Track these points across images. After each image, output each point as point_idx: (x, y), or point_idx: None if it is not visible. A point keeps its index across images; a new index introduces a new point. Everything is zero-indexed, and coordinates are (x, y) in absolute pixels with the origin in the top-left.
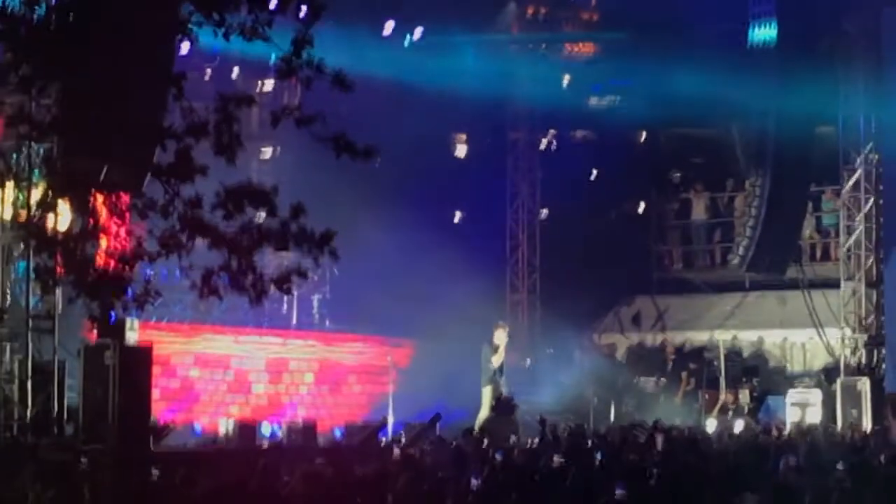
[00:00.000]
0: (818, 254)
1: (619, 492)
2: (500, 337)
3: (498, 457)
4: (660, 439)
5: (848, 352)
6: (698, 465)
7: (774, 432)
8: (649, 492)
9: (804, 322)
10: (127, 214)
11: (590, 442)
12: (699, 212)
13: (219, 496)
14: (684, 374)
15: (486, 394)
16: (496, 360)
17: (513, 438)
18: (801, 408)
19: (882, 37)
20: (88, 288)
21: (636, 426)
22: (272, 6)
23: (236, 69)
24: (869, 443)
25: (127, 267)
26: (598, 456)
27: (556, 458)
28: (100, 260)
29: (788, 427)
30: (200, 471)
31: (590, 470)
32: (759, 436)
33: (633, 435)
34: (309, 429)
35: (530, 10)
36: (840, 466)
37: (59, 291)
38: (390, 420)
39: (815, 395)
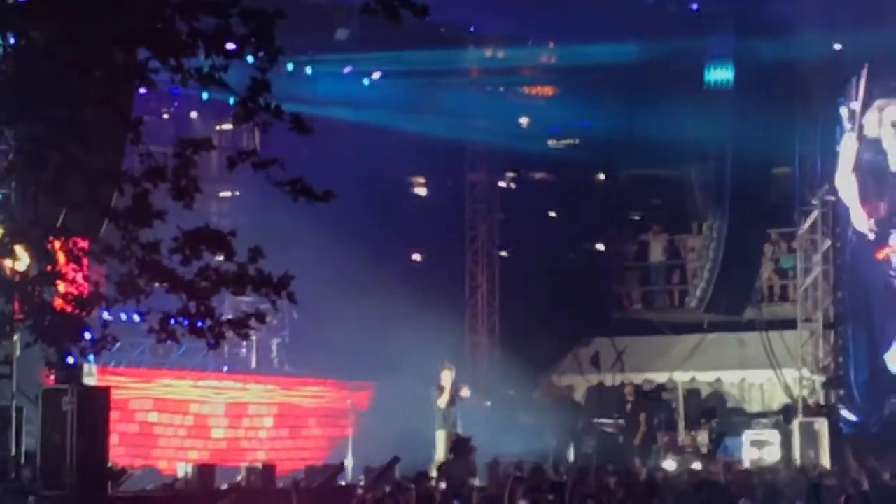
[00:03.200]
0: (776, 295)
1: None
2: (446, 377)
3: (456, 503)
4: (612, 481)
5: (806, 392)
6: None
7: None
8: None
9: (762, 363)
10: (84, 259)
11: (548, 484)
12: (657, 253)
13: None
14: (643, 416)
15: (440, 437)
16: (442, 402)
17: (471, 481)
18: (759, 448)
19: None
20: (46, 332)
21: (593, 468)
22: (229, 50)
23: (195, 113)
24: (828, 479)
25: (84, 311)
26: (553, 498)
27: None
28: (57, 304)
29: (747, 465)
30: None
31: None
32: (718, 476)
33: (592, 476)
34: (268, 471)
35: (488, 52)
36: None
37: (16, 336)
38: (350, 463)
39: (773, 436)
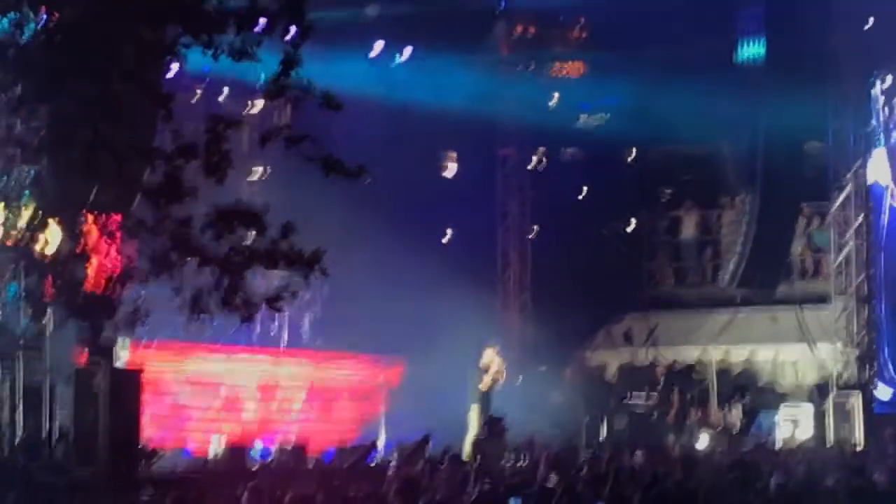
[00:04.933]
0: (809, 270)
1: None
2: (490, 357)
3: (489, 480)
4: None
5: (839, 368)
6: (688, 483)
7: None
8: None
9: (795, 338)
10: (117, 235)
11: (580, 461)
12: (689, 229)
13: None
14: (675, 394)
15: (473, 415)
16: (485, 383)
17: (503, 459)
18: (792, 424)
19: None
20: (79, 309)
21: (626, 446)
22: (260, 27)
23: (226, 90)
24: (865, 460)
25: (117, 288)
26: (586, 475)
27: (552, 477)
28: (90, 281)
29: (779, 443)
30: (190, 493)
31: (577, 490)
32: (751, 453)
33: (624, 454)
34: (299, 450)
35: (519, 29)
36: (830, 483)
37: (49, 313)
38: (382, 440)
39: (807, 412)
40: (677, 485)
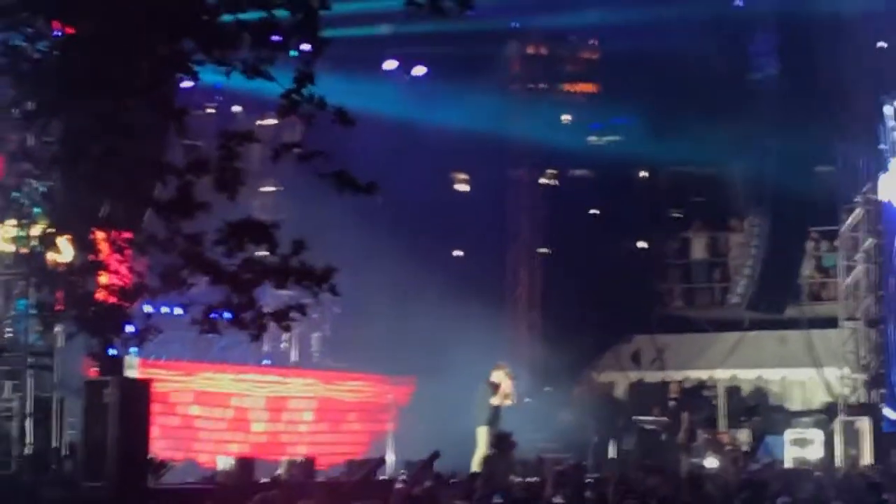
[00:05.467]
0: (818, 293)
1: None
2: (500, 377)
3: (497, 499)
4: (653, 478)
5: (847, 391)
6: (697, 503)
7: (772, 471)
8: None
9: (803, 361)
10: (127, 251)
11: (588, 482)
12: (699, 250)
13: None
14: (685, 414)
15: (482, 434)
16: (497, 400)
17: (511, 476)
18: (800, 446)
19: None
20: (88, 324)
21: (634, 465)
22: (274, 43)
23: (238, 106)
24: (874, 480)
25: (127, 303)
26: (593, 494)
27: (556, 500)
28: (100, 296)
29: (788, 464)
30: None
31: None
32: (759, 475)
33: (632, 474)
34: (308, 465)
35: (530, 50)
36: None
37: (59, 328)
38: (391, 458)
39: (815, 434)
40: None
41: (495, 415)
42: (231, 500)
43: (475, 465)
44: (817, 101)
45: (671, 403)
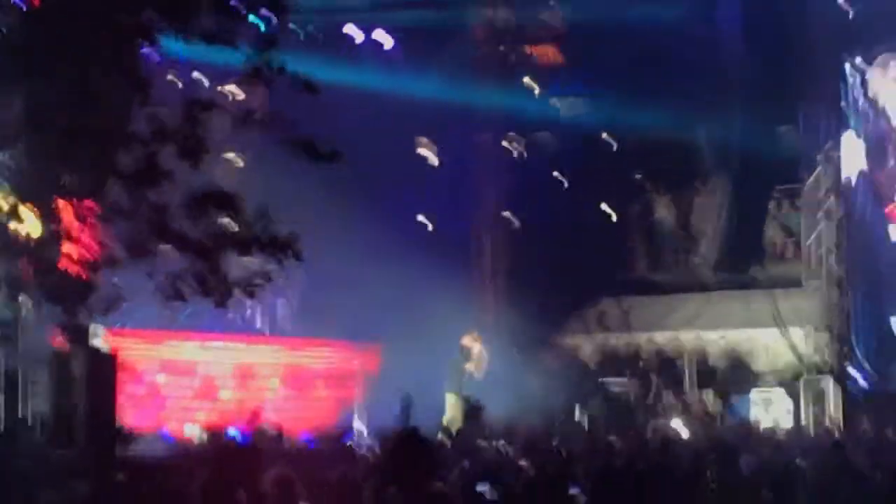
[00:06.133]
0: (782, 253)
1: (573, 491)
2: (470, 344)
3: (466, 463)
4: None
5: (812, 351)
6: (666, 465)
7: (738, 431)
8: (613, 492)
9: (769, 322)
10: (92, 220)
11: (555, 445)
12: (663, 213)
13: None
14: (653, 376)
15: (451, 399)
16: (471, 367)
17: (480, 442)
18: (766, 407)
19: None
20: (54, 294)
21: (601, 429)
22: (234, 9)
23: (201, 74)
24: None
25: (92, 273)
26: (560, 459)
27: (523, 462)
28: (65, 266)
29: (754, 426)
30: (168, 475)
31: (550, 474)
32: (725, 435)
33: (600, 437)
34: (276, 434)
35: (493, 15)
36: (800, 463)
37: (23, 298)
38: (359, 425)
39: (781, 395)
40: (653, 467)
41: (464, 383)
42: (200, 468)
43: (443, 431)
44: (780, 60)
45: (640, 365)
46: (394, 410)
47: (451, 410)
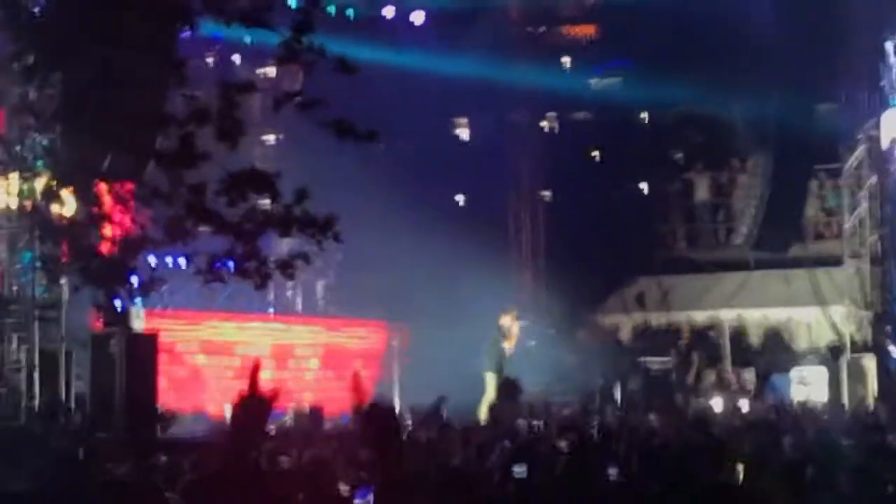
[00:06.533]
0: (822, 232)
1: (611, 471)
2: (508, 322)
3: (507, 443)
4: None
5: (853, 329)
6: (704, 443)
7: (779, 411)
8: (650, 470)
9: (808, 300)
10: (130, 202)
11: (594, 424)
12: (702, 191)
13: (225, 480)
14: (695, 354)
15: (490, 379)
16: (508, 346)
17: (518, 422)
18: (805, 386)
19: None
20: (93, 276)
21: (640, 408)
22: None
23: (238, 56)
24: (879, 419)
25: (131, 254)
26: (598, 436)
27: (562, 442)
28: (104, 248)
29: (794, 405)
30: (208, 456)
31: (588, 452)
32: (766, 414)
33: (639, 416)
34: (315, 414)
35: None
36: (844, 442)
37: (64, 280)
38: (397, 405)
39: (820, 373)
40: (693, 446)
41: (502, 362)
42: (239, 449)
43: (483, 411)
44: (820, 38)
45: (680, 344)
46: (428, 397)
47: (492, 390)
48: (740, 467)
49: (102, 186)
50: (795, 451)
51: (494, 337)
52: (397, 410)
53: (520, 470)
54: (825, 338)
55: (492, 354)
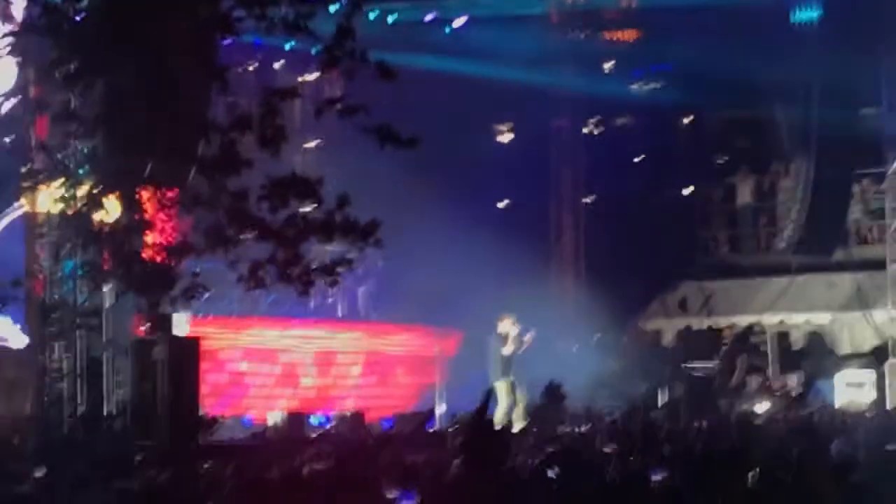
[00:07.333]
0: (866, 236)
1: (655, 477)
2: (506, 327)
3: (550, 449)
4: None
5: None
6: (747, 448)
7: (823, 415)
8: (695, 476)
9: (852, 304)
10: (173, 209)
11: (639, 429)
12: (745, 195)
13: (268, 486)
14: (739, 359)
15: (501, 388)
16: (507, 350)
17: (561, 427)
18: (850, 390)
19: None
20: (136, 283)
21: (684, 413)
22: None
23: (279, 62)
24: None
25: (174, 261)
26: (643, 442)
27: (609, 446)
28: (147, 254)
29: (839, 409)
30: (250, 462)
31: (632, 457)
32: (810, 419)
33: (683, 421)
34: (358, 418)
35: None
36: (891, 447)
37: (107, 287)
38: (440, 410)
39: (866, 377)
40: (738, 452)
41: (508, 365)
42: (281, 455)
43: (499, 421)
44: (862, 41)
45: (724, 349)
46: (471, 403)
47: (506, 398)
48: (787, 472)
49: (145, 193)
50: (844, 455)
51: (493, 345)
52: (441, 415)
53: (564, 475)
54: (869, 341)
55: (495, 363)
